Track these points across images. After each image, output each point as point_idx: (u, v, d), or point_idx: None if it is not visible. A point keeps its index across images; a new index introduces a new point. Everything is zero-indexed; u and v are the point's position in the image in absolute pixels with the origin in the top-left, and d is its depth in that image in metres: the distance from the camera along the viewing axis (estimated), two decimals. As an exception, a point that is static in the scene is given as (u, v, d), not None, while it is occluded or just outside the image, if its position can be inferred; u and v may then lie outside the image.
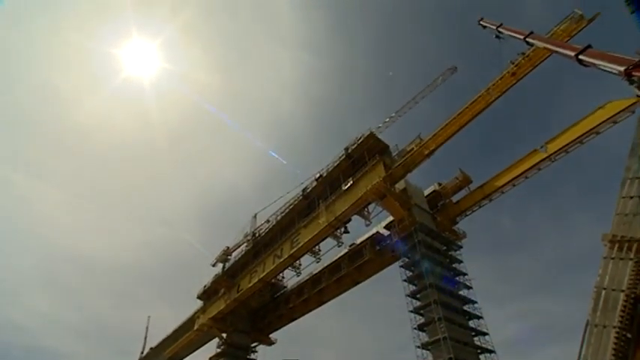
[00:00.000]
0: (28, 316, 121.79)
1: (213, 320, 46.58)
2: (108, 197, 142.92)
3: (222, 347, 47.01)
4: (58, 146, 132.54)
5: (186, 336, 53.34)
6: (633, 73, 12.55)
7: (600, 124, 24.16)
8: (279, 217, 40.65)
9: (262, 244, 43.30)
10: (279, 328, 48.66)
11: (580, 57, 15.74)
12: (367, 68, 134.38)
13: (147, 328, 73.99)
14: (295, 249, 36.13)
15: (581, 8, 25.26)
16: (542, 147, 27.38)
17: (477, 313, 28.00)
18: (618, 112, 23.02)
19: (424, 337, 26.68)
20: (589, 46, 15.76)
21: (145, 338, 71.96)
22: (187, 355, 59.39)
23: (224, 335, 47.67)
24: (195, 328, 49.45)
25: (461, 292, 28.74)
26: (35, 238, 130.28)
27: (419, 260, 27.96)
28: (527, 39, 21.75)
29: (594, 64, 14.96)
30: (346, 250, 37.67)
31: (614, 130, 23.86)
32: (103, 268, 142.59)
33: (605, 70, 14.25)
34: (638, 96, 13.04)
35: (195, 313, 52.07)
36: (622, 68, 12.94)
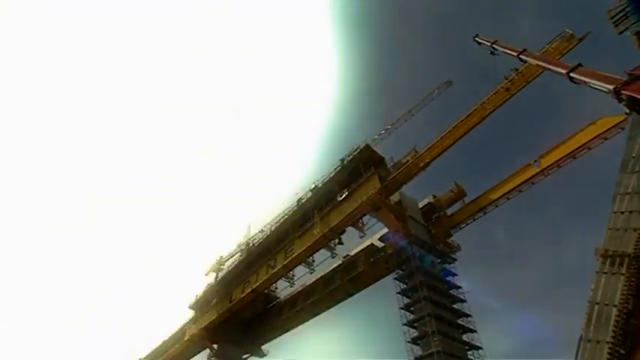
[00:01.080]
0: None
1: (204, 330, 45.72)
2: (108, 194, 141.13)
3: (212, 359, 46.03)
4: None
5: (176, 347, 52.20)
6: (622, 92, 12.92)
7: (592, 139, 24.60)
8: (273, 228, 40.42)
9: (256, 254, 42.84)
10: (272, 339, 47.80)
11: (571, 75, 16.22)
12: (364, 79, 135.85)
13: (136, 338, 72.38)
14: (289, 259, 35.85)
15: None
16: (535, 161, 27.76)
17: (471, 327, 27.91)
18: (608, 129, 23.48)
19: (417, 350, 26.43)
20: (579, 65, 16.24)
21: (134, 349, 70.23)
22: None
23: (215, 346, 46.78)
24: (186, 338, 48.47)
25: (455, 305, 28.65)
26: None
27: (413, 272, 27.90)
28: (520, 56, 22.33)
29: (585, 82, 15.40)
30: (340, 262, 37.47)
31: (606, 146, 24.31)
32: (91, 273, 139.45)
33: (595, 88, 14.66)
34: (626, 113, 13.38)
35: (187, 323, 51.14)
36: (611, 87, 13.33)
